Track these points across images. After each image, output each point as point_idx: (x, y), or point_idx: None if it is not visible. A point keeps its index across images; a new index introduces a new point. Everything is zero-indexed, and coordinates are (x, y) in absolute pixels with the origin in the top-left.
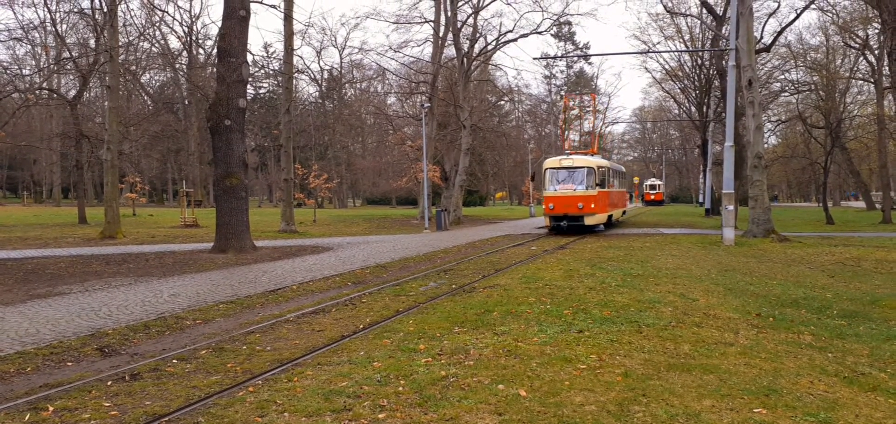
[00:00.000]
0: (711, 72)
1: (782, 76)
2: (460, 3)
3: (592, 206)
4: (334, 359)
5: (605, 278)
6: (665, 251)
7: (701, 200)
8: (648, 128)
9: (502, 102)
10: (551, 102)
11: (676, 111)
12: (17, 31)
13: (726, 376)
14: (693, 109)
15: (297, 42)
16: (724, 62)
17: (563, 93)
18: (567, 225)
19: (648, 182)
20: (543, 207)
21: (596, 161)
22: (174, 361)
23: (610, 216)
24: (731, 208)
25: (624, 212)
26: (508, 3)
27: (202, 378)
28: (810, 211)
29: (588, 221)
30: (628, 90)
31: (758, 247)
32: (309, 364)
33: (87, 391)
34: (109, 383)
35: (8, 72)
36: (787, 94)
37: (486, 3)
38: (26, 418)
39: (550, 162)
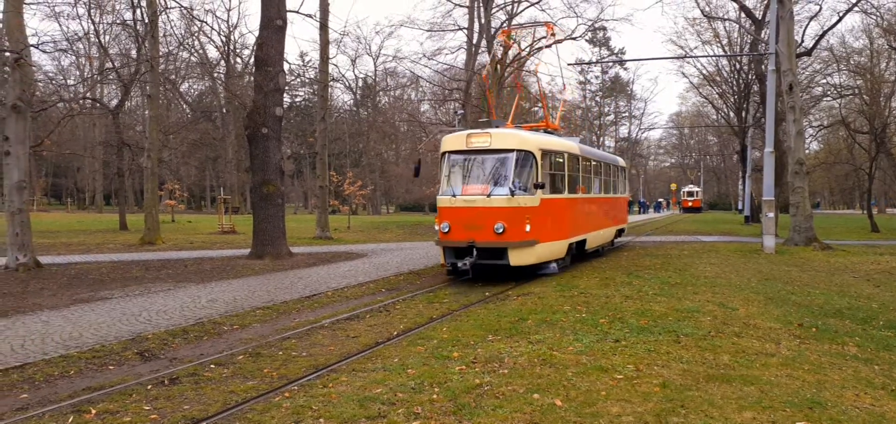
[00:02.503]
0: (750, 76)
1: (824, 80)
2: (494, 11)
3: (527, 228)
4: (369, 366)
5: (641, 286)
6: (703, 259)
7: (740, 207)
8: (685, 134)
9: (536, 109)
10: (586, 108)
11: (714, 117)
12: (62, 42)
13: (768, 387)
14: (731, 114)
15: (332, 51)
16: (763, 67)
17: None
18: (472, 265)
19: (686, 189)
20: (436, 225)
21: (539, 140)
22: (212, 366)
23: (579, 244)
24: (772, 215)
25: (620, 231)
26: (542, 10)
27: (239, 382)
28: (854, 218)
29: (516, 257)
30: (665, 95)
31: (799, 255)
32: (344, 371)
33: (127, 394)
34: (149, 387)
35: (53, 82)
36: (829, 98)
37: (519, 9)
38: (70, 420)
39: (451, 141)
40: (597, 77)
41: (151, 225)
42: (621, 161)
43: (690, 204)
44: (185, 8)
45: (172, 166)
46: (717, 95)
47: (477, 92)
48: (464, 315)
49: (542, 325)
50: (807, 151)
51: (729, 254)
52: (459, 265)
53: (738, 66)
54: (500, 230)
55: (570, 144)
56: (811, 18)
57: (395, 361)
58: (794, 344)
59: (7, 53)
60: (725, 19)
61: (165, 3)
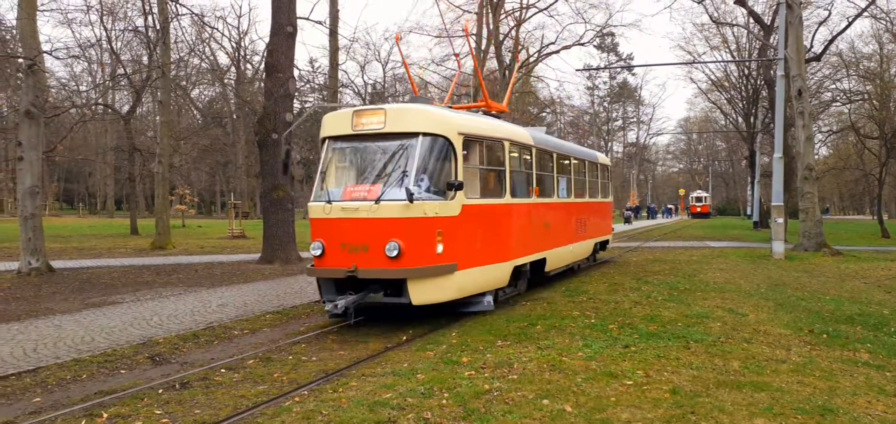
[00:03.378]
0: (759, 82)
1: (833, 85)
2: (502, 17)
3: (438, 248)
4: (378, 371)
5: (650, 292)
6: (712, 265)
7: (748, 212)
8: (694, 139)
9: (544, 114)
10: (594, 114)
11: (723, 122)
12: (74, 49)
13: (778, 394)
14: (740, 119)
15: (341, 57)
16: (772, 72)
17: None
18: (351, 306)
19: (694, 194)
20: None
21: (458, 121)
22: (222, 370)
23: (535, 264)
24: (781, 220)
25: (602, 243)
26: (551, 16)
27: (249, 387)
28: (864, 224)
29: (420, 292)
30: (673, 101)
31: (809, 261)
32: (353, 376)
33: (139, 398)
34: (160, 391)
35: (66, 88)
36: (838, 103)
37: (528, 16)
38: (82, 423)
39: (334, 122)
40: (605, 83)
41: (162, 230)
42: (602, 157)
43: (699, 210)
44: (196, 14)
45: (183, 172)
46: (725, 101)
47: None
48: (472, 320)
49: (551, 330)
50: (816, 157)
51: (738, 260)
52: (328, 306)
53: (746, 71)
54: (394, 253)
55: (516, 131)
56: (820, 24)
57: (404, 366)
58: (804, 350)
59: (21, 60)
60: (734, 25)
61: (176, 9)
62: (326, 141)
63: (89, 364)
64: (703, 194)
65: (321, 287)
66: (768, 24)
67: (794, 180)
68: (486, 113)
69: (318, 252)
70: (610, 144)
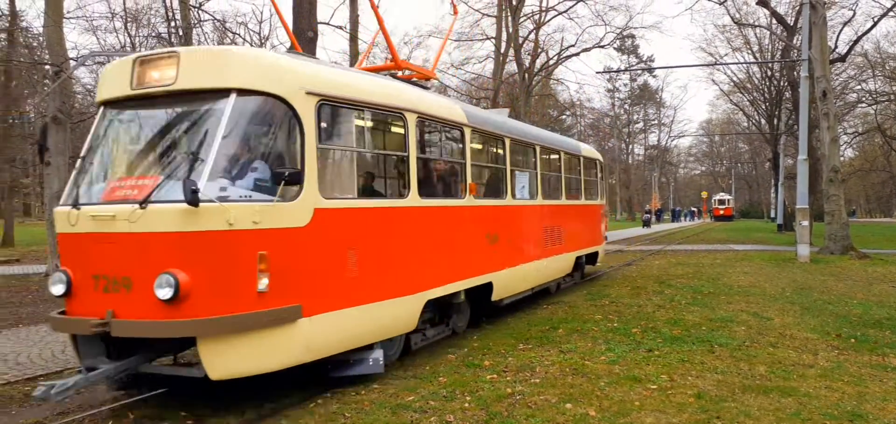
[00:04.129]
0: (782, 83)
1: (859, 86)
2: (522, 20)
3: (260, 283)
4: (400, 373)
5: (673, 295)
6: (736, 268)
7: (772, 215)
8: (716, 141)
9: (564, 117)
10: (614, 116)
11: (745, 124)
12: (99, 55)
13: (806, 399)
14: (763, 121)
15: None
16: (795, 73)
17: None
18: (111, 374)
19: (717, 197)
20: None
21: (307, 74)
22: None
23: (475, 292)
24: (806, 223)
25: (590, 256)
26: (570, 19)
27: (273, 389)
28: (891, 227)
29: (219, 359)
30: (695, 103)
31: (835, 264)
32: (376, 378)
33: (165, 400)
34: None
35: (91, 94)
36: (864, 104)
37: (547, 19)
38: None
39: (112, 77)
40: (625, 85)
41: None
42: (588, 150)
43: (722, 212)
44: (219, 20)
45: None
46: (748, 103)
47: (505, 101)
48: (493, 324)
49: (573, 334)
50: (841, 159)
51: (762, 263)
52: (39, 391)
53: (769, 72)
54: (169, 293)
55: (432, 102)
56: (845, 24)
57: (426, 369)
58: (832, 355)
59: (47, 66)
60: (756, 26)
61: (199, 16)
62: (101, 108)
63: None
64: (726, 196)
65: (77, 345)
66: (791, 24)
67: (820, 183)
68: (393, 76)
69: (61, 290)
70: (631, 146)
